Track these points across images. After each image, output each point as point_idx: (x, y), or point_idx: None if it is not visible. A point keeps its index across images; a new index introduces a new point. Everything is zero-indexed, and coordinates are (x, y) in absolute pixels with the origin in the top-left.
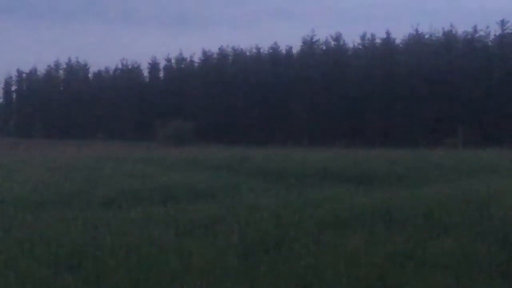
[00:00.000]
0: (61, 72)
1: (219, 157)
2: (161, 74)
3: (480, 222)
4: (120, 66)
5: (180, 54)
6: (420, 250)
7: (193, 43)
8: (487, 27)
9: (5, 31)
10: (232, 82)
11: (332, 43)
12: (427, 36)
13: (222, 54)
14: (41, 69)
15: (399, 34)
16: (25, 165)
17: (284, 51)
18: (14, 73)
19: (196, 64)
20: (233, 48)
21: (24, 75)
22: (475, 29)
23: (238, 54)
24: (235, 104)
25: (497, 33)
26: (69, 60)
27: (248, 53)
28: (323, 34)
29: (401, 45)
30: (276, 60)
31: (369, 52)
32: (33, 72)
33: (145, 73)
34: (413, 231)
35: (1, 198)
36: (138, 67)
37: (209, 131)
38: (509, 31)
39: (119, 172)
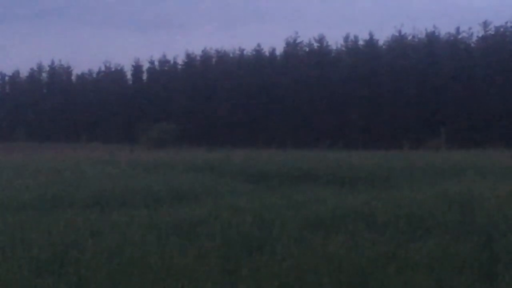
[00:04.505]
0: (44, 75)
1: (201, 159)
2: (145, 76)
3: (463, 223)
4: (103, 68)
5: (164, 56)
6: (402, 251)
7: (177, 46)
8: (470, 28)
9: None
10: (215, 84)
11: (315, 45)
12: (410, 38)
13: (206, 56)
14: (24, 72)
15: (382, 36)
16: (6, 168)
17: (267, 53)
18: None
19: (180, 67)
20: (216, 50)
21: (6, 78)
22: (458, 30)
23: (222, 56)
24: (219, 106)
25: (480, 35)
26: (52, 62)
27: (231, 55)
28: (306, 36)
29: (384, 47)
30: (259, 62)
31: (352, 54)
32: (16, 75)
33: (129, 75)
34: (395, 233)
35: None
36: (122, 69)
37: (192, 133)
38: (492, 32)
39: (101, 175)
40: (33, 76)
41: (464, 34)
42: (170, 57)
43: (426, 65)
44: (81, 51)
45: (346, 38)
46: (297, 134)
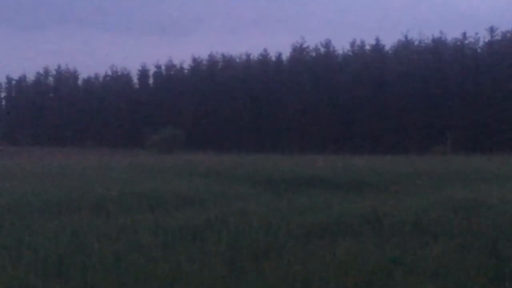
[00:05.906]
0: (50, 79)
1: (208, 164)
2: (151, 81)
3: (469, 229)
4: (109, 73)
5: (170, 60)
6: (408, 257)
7: (183, 50)
8: (476, 33)
9: None
10: (221, 89)
11: (322, 49)
12: (416, 43)
13: (212, 61)
14: (31, 76)
15: (389, 41)
16: (13, 172)
17: (274, 58)
18: (3, 80)
19: (186, 71)
20: (223, 55)
21: (13, 81)
22: (464, 36)
23: (228, 61)
24: (225, 110)
25: (486, 40)
26: (59, 67)
27: (238, 60)
28: (312, 41)
29: (390, 52)
30: (265, 67)
31: (358, 59)
32: (23, 78)
33: (135, 79)
34: (401, 239)
35: None
36: (128, 73)
37: (198, 137)
38: (498, 38)
39: (107, 179)
40: (40, 80)
41: (471, 40)
42: (176, 61)
43: (433, 70)
44: (88, 55)
45: (352, 43)
46: (303, 138)
